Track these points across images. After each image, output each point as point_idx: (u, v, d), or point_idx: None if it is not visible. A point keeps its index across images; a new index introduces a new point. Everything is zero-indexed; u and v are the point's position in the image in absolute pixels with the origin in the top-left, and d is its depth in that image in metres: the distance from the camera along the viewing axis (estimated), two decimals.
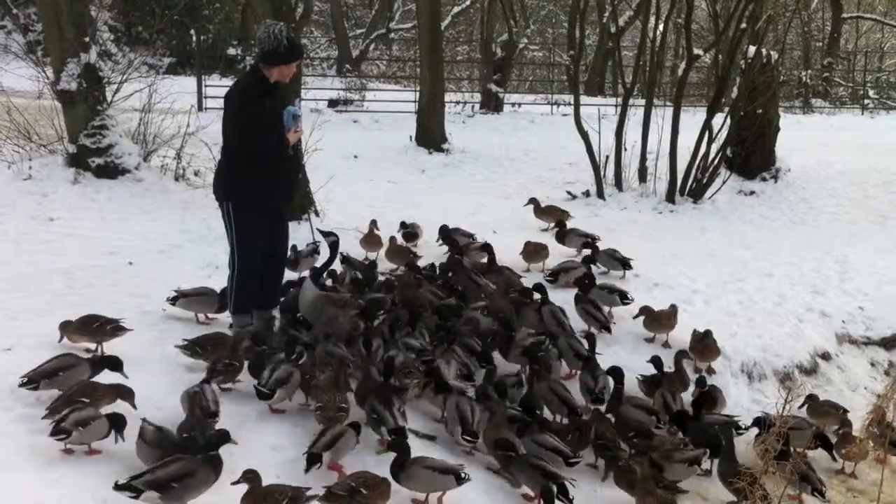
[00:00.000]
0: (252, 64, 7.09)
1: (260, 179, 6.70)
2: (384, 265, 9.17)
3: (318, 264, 7.89)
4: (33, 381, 5.67)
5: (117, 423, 5.18)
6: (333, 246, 7.52)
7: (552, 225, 10.49)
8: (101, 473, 4.97)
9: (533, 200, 11.19)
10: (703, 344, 7.67)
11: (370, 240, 9.54)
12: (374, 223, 9.66)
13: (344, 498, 4.81)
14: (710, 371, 7.73)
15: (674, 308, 8.09)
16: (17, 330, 6.78)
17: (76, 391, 5.46)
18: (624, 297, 8.33)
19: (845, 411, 7.23)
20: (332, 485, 4.96)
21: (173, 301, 7.38)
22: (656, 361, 7.14)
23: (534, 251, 9.50)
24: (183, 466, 4.75)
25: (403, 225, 9.91)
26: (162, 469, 4.72)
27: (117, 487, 4.63)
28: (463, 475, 5.22)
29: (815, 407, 7.22)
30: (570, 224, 10.54)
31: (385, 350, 6.72)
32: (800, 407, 7.22)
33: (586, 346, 7.23)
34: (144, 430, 5.06)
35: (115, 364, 5.90)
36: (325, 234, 7.69)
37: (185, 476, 4.72)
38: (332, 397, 5.72)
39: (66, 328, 6.52)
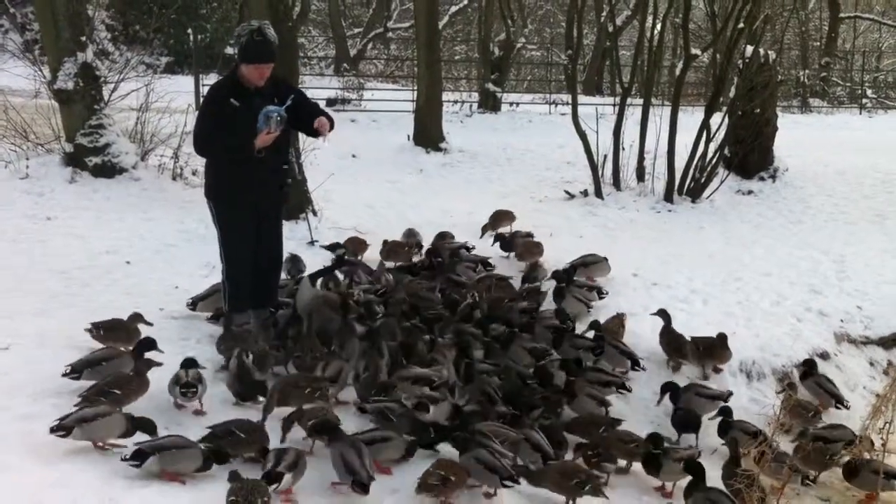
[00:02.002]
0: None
1: (237, 179, 6.67)
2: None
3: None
4: (76, 370, 5.84)
5: (144, 426, 5.25)
6: (339, 258, 8.06)
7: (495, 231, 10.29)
8: (103, 472, 4.98)
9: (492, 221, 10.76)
10: (721, 350, 7.74)
11: (354, 242, 9.47)
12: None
13: (436, 486, 5.15)
14: (717, 371, 7.81)
15: (621, 317, 8.14)
16: (13, 329, 6.79)
17: (110, 382, 5.66)
18: (600, 293, 8.60)
19: (816, 412, 7.14)
20: (425, 472, 5.20)
21: (193, 306, 7.41)
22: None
23: (525, 250, 9.52)
24: (294, 453, 5.13)
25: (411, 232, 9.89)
26: (282, 457, 5.05)
27: (268, 480, 4.87)
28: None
29: (787, 403, 7.12)
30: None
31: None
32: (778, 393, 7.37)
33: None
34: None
35: (149, 345, 6.11)
36: (332, 247, 8.23)
37: (300, 458, 5.11)
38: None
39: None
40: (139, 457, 4.96)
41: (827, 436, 6.71)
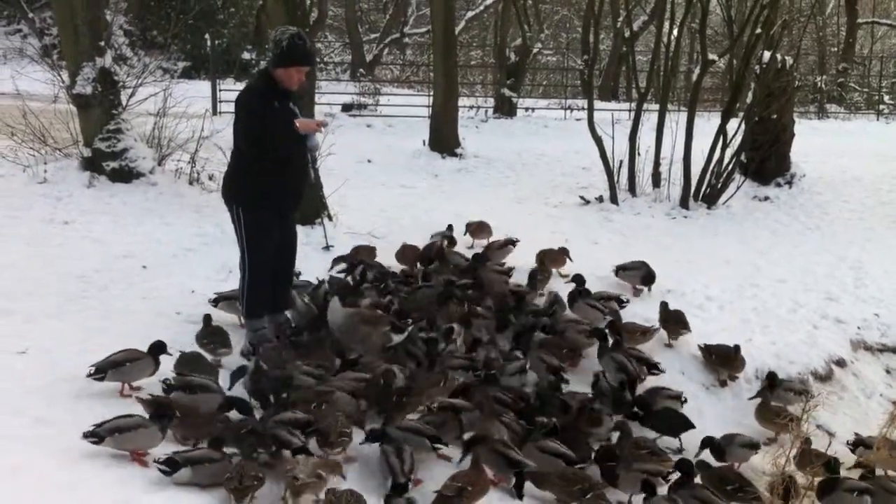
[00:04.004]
0: (262, 68, 7.07)
1: (270, 182, 6.72)
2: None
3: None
4: (101, 370, 5.91)
5: (161, 421, 5.31)
6: (362, 273, 8.29)
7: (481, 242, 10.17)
8: (115, 476, 4.98)
9: (468, 225, 10.39)
10: (734, 360, 7.75)
11: (363, 250, 9.46)
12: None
13: (453, 499, 5.14)
14: (733, 378, 7.79)
15: (652, 331, 7.96)
16: (31, 333, 6.82)
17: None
18: (620, 302, 8.44)
19: (796, 419, 6.98)
20: (441, 487, 5.23)
21: (215, 303, 7.44)
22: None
23: (546, 258, 9.48)
24: None
25: (450, 228, 9.91)
26: None
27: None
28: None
29: (763, 411, 7.13)
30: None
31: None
32: (750, 398, 7.38)
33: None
34: None
35: (160, 348, 6.23)
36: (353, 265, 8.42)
37: None
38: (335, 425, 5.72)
39: None
40: (171, 465, 4.98)
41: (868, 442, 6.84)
